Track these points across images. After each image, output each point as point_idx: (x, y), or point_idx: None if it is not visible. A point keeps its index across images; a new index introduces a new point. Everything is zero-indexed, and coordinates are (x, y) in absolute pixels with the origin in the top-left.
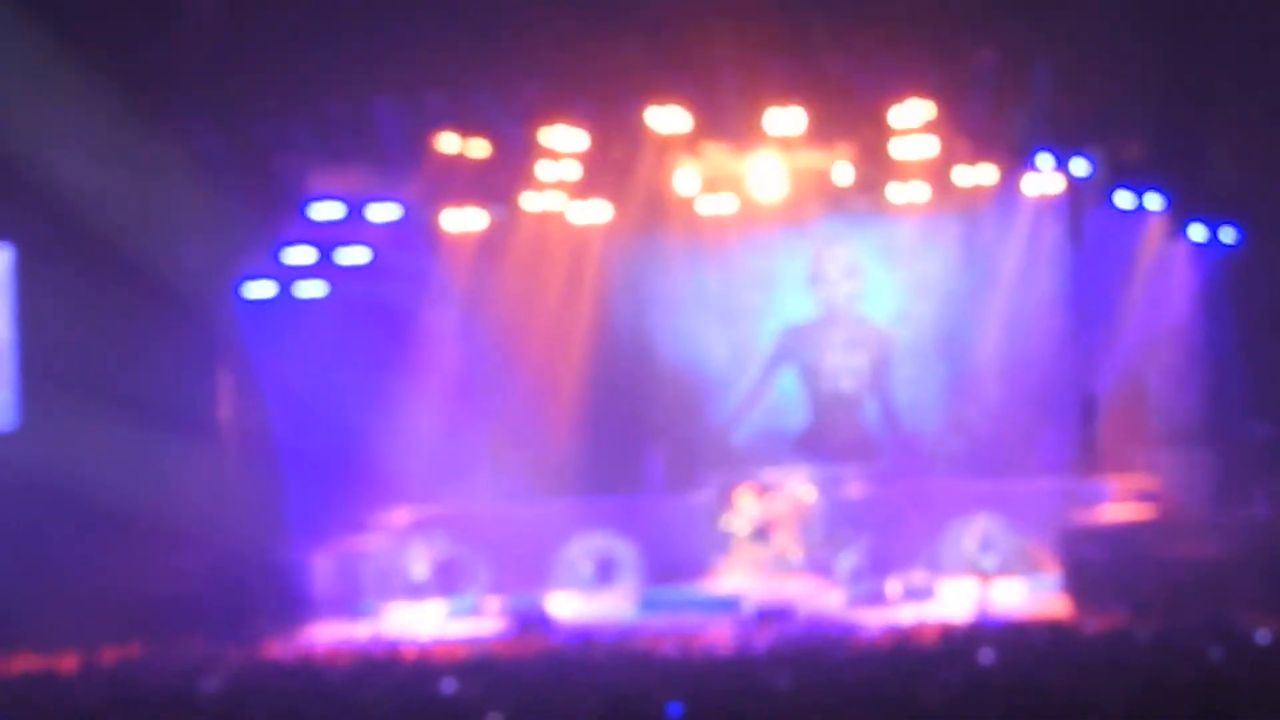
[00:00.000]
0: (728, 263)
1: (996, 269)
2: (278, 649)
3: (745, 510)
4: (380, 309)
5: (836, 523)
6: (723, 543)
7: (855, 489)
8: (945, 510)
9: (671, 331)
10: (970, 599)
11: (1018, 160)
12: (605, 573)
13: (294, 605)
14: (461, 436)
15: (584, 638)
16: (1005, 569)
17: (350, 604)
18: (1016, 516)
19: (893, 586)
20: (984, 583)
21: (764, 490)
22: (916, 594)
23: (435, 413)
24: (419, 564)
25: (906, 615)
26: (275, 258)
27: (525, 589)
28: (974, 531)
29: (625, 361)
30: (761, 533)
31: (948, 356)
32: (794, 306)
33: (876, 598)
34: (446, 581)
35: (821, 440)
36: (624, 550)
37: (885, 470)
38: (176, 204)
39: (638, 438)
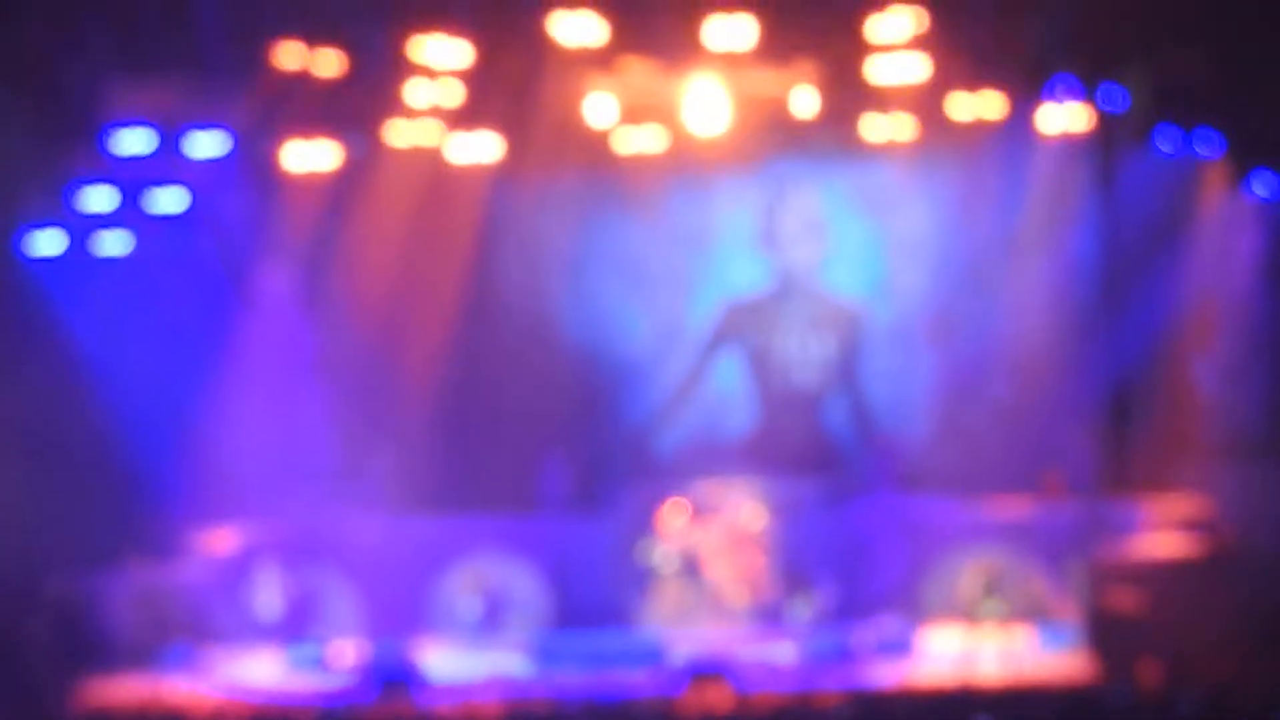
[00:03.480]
0: (653, 216)
1: (1004, 228)
2: (61, 711)
3: (672, 537)
4: (201, 270)
5: (791, 555)
6: (642, 579)
7: (815, 512)
8: (933, 540)
9: (578, 304)
10: (962, 655)
11: (1031, 87)
12: (492, 614)
13: (82, 651)
14: (307, 435)
15: (462, 700)
16: (1009, 616)
17: (159, 651)
18: (1025, 548)
19: (862, 638)
20: (981, 634)
21: (696, 512)
22: (893, 647)
23: (274, 403)
24: (252, 598)
25: (879, 675)
26: (66, 202)
27: (389, 634)
28: (970, 567)
29: (518, 341)
30: (693, 567)
31: (940, 341)
32: (738, 274)
33: (841, 653)
34: (287, 623)
35: (772, 448)
36: (516, 585)
37: (855, 488)
38: None
39: (533, 439)
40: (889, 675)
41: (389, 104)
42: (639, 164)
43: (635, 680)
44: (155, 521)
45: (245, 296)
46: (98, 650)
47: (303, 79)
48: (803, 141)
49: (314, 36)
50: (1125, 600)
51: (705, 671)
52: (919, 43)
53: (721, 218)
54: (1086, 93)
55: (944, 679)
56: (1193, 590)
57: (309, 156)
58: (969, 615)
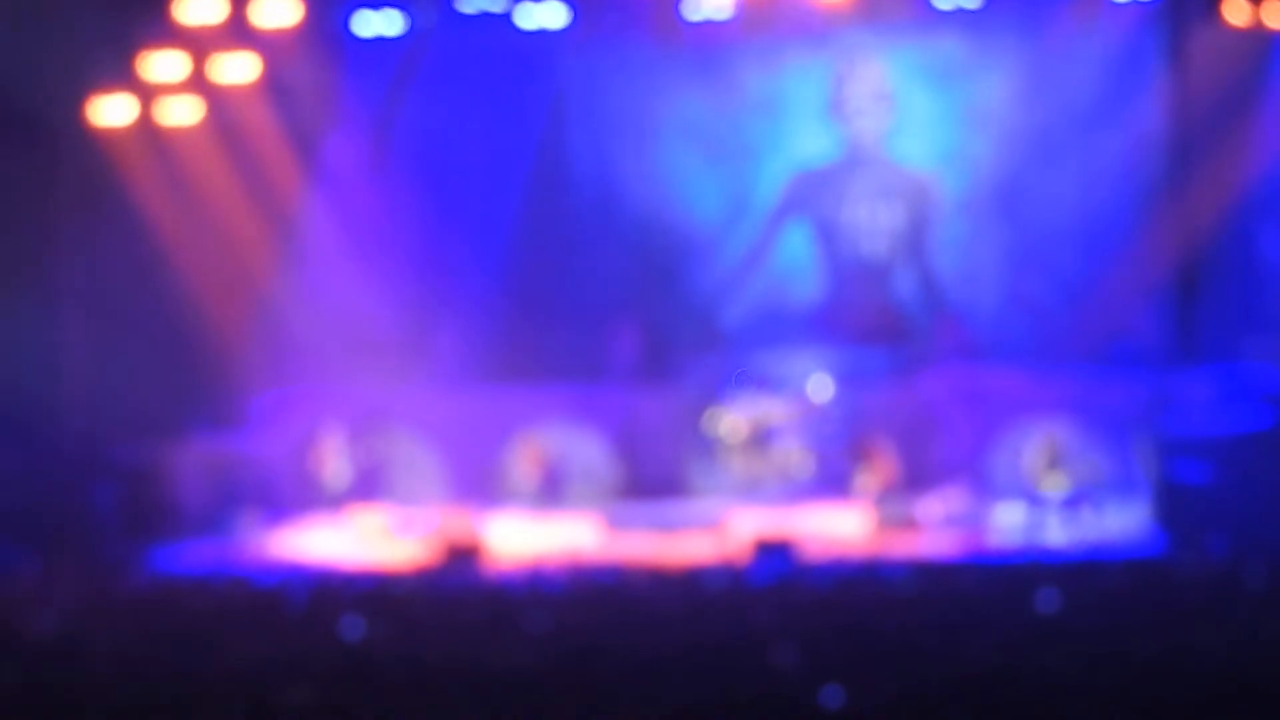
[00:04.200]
0: (722, 84)
1: (1073, 99)
2: (129, 578)
3: (738, 408)
4: (270, 138)
5: (857, 427)
6: (709, 450)
7: (883, 383)
8: (1000, 412)
9: (645, 174)
10: (1028, 527)
11: None
12: (556, 483)
13: (150, 520)
14: (374, 305)
15: (529, 569)
16: (1076, 490)
17: (227, 520)
18: (1093, 421)
19: (929, 510)
20: (1048, 507)
21: (763, 383)
22: (960, 520)
23: (341, 274)
24: (319, 468)
25: (945, 547)
26: (133, 69)
27: (456, 503)
28: (1037, 439)
29: (586, 210)
30: (760, 439)
31: (1008, 212)
32: (807, 143)
33: (907, 524)
34: (354, 493)
35: (840, 319)
36: (582, 454)
37: (922, 359)
38: None
39: (600, 309)
40: (954, 547)
41: None
42: (708, 31)
43: (701, 551)
44: (223, 390)
45: (313, 167)
46: (166, 518)
47: None
48: (871, 10)
49: None
50: (1194, 474)
51: (771, 541)
52: None
53: (790, 87)
54: None
55: (1010, 551)
56: (1260, 462)
57: (378, 24)
58: (1035, 487)
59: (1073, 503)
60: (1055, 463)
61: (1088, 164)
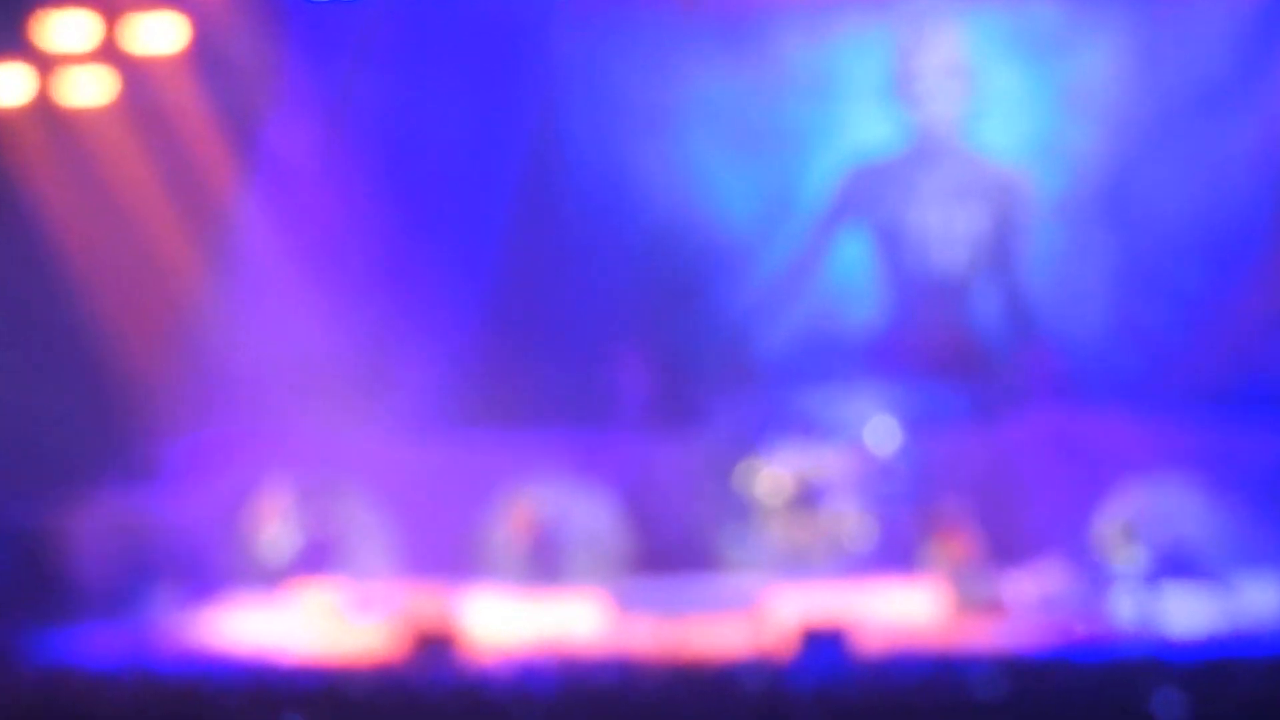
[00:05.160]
0: (755, 59)
1: (1197, 78)
2: (14, 668)
3: (779, 461)
4: (199, 123)
5: (928, 484)
6: (742, 513)
7: (960, 429)
8: (1109, 467)
9: (661, 170)
10: (1145, 613)
11: None
12: (552, 555)
13: (43, 596)
14: (321, 327)
15: (516, 664)
16: (1204, 566)
17: (139, 597)
18: (1228, 480)
19: (1017, 590)
20: (1167, 587)
21: (810, 428)
22: (1056, 603)
23: (287, 291)
24: (257, 534)
25: (1039, 639)
26: (26, 35)
27: (426, 579)
28: (1156, 501)
29: (586, 217)
30: (806, 499)
31: (1116, 217)
32: (865, 132)
33: (991, 607)
34: (300, 565)
35: (906, 349)
36: (583, 518)
37: (1008, 399)
38: None
39: (605, 337)
40: (1049, 637)
41: None
42: None
43: (733, 641)
44: (136, 434)
45: (252, 158)
46: (62, 594)
47: None
48: None
49: None
50: None
51: (820, 629)
52: None
53: (843, 62)
54: None
55: (1120, 643)
56: None
57: None
58: (1153, 563)
59: (1158, 577)
60: (1177, 526)
61: (1214, 158)
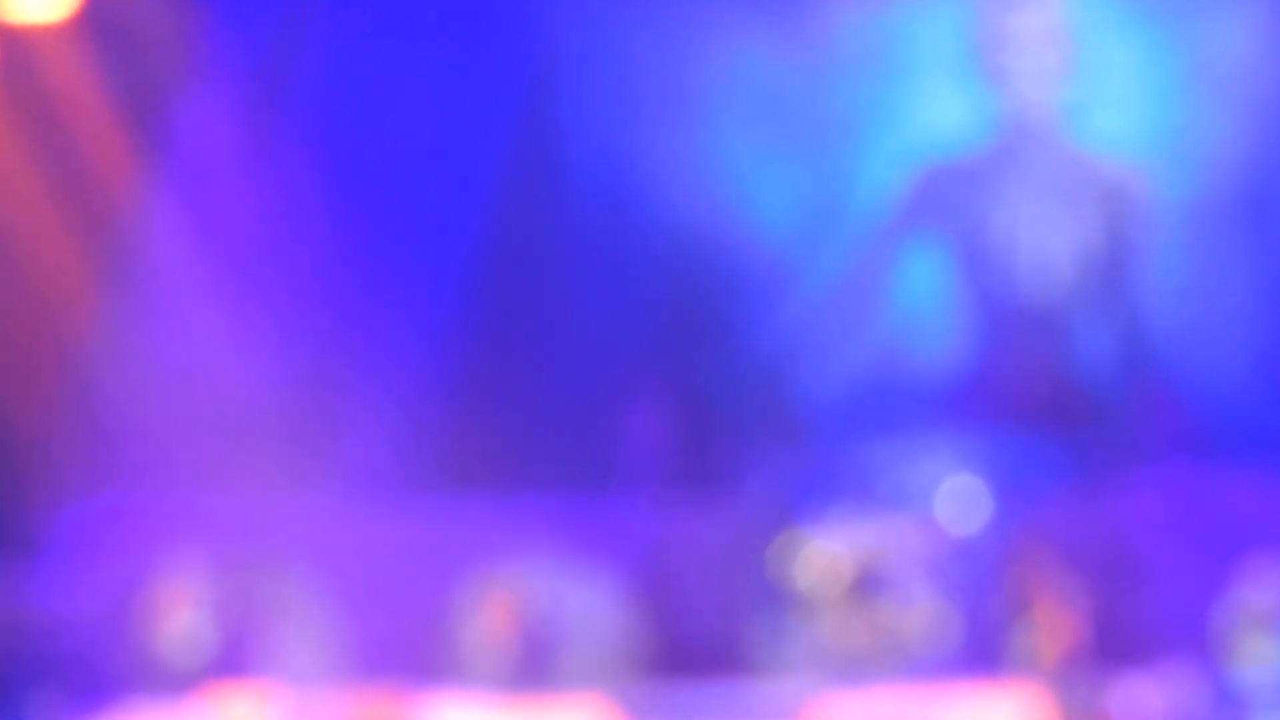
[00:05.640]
0: (799, 29)
1: None
2: None
3: (832, 536)
4: (92, 106)
5: (1020, 564)
6: (783, 602)
7: (1060, 495)
8: (1247, 543)
9: (679, 169)
10: None
11: None
12: (539, 655)
13: None
14: (245, 366)
15: None
16: None
17: (14, 703)
18: None
19: (1134, 696)
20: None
21: (871, 495)
22: (1180, 713)
23: (192, 317)
24: (163, 626)
25: None
26: None
27: (378, 682)
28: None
29: (585, 227)
30: (866, 585)
31: (1265, 230)
32: (939, 119)
33: (1100, 716)
34: (218, 664)
35: (993, 394)
36: (580, 606)
37: (1123, 457)
38: None
39: (607, 380)
40: None
41: None
42: None
43: None
44: (17, 505)
45: (159, 152)
46: None
47: None
48: None
49: None
50: None
51: None
52: None
53: (910, 32)
54: None
55: None
56: None
57: None
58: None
59: None
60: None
61: None
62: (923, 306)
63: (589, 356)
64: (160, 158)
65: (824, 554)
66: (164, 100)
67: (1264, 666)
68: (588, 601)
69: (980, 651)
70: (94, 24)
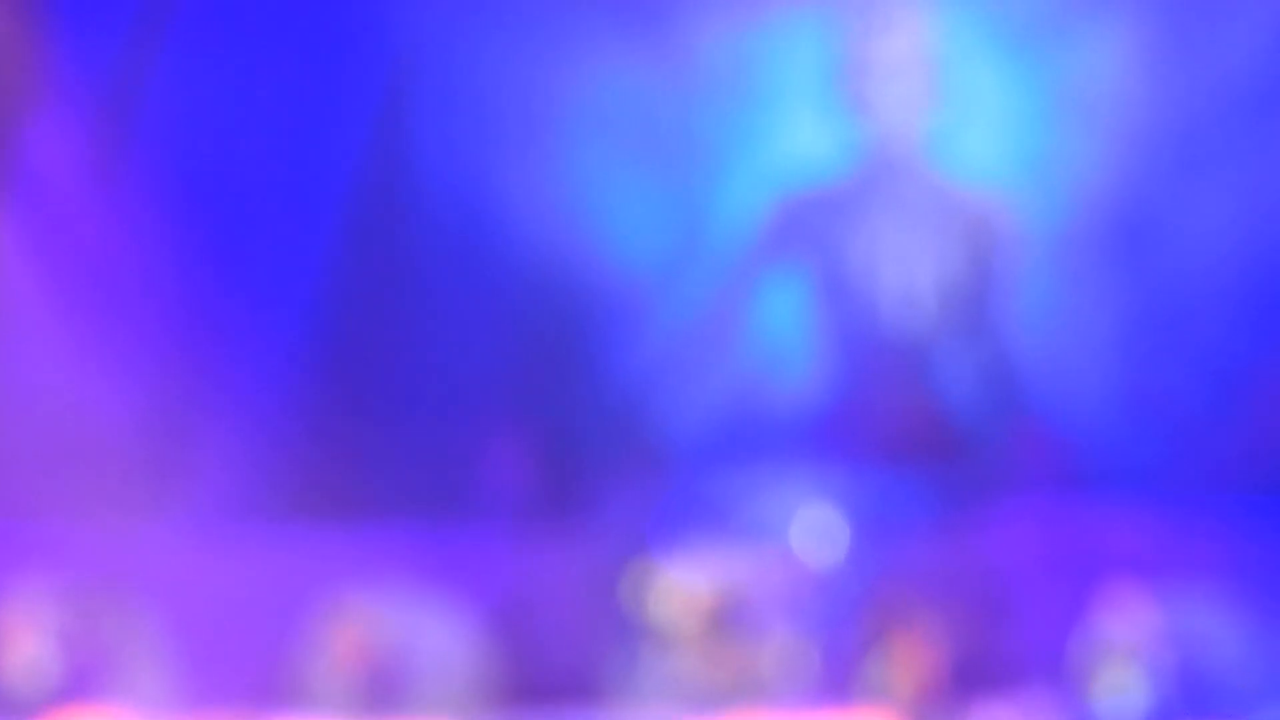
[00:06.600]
0: (659, 46)
1: (1234, 70)
2: None
3: (689, 569)
4: None
5: (881, 598)
6: (641, 634)
7: (922, 529)
8: (1109, 574)
9: (537, 190)
10: None
11: None
12: (389, 687)
13: None
14: (88, 390)
15: None
16: (1224, 701)
17: None
18: (1261, 592)
19: None
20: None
21: (729, 528)
22: None
23: (30, 338)
24: (7, 648)
25: None
26: None
27: (225, 714)
28: (1167, 618)
29: (438, 250)
30: (725, 618)
31: (1130, 257)
32: (800, 145)
33: None
34: (60, 696)
35: (855, 427)
36: (431, 640)
37: (986, 488)
38: None
39: (461, 407)
40: None
41: None
42: None
43: None
44: None
45: (1, 165)
46: None
47: None
48: None
49: None
50: None
51: None
52: None
53: (773, 52)
54: None
55: None
56: None
57: None
58: (1162, 692)
59: (1165, 714)
60: (1193, 652)
61: (1255, 178)
62: (784, 337)
63: (444, 383)
64: (2, 177)
65: (681, 586)
66: (5, 117)
67: (1122, 697)
68: (440, 631)
69: (837, 684)
70: None
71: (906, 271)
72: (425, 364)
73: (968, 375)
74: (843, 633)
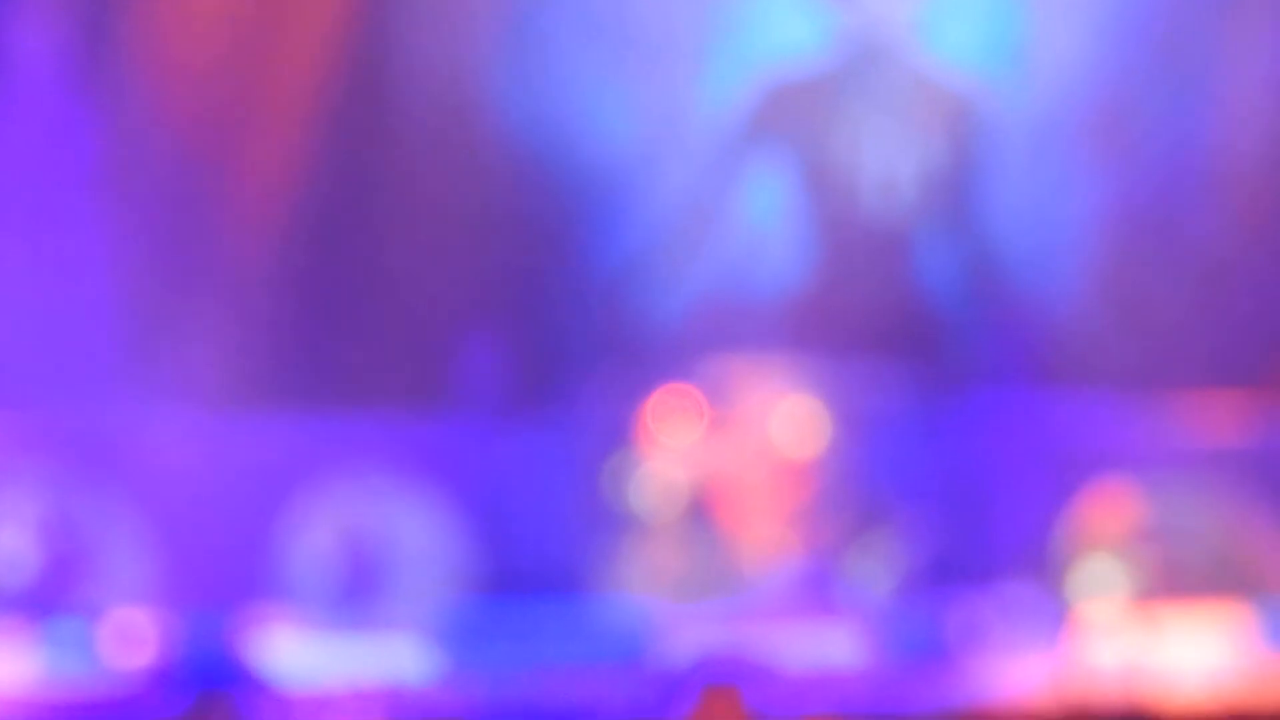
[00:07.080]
0: None
1: None
2: None
3: (669, 458)
4: None
5: (860, 490)
6: (619, 523)
7: (901, 420)
8: (1087, 466)
9: (522, 84)
10: (1133, 648)
11: None
12: (367, 577)
13: None
14: (67, 277)
15: (323, 715)
16: (1206, 591)
17: None
18: (1236, 483)
19: (971, 619)
20: (1164, 613)
21: (710, 416)
22: (1020, 636)
23: (29, 241)
24: None
25: (996, 682)
26: None
27: (206, 605)
28: (1146, 510)
29: (416, 143)
30: (703, 509)
31: (1112, 151)
32: (780, 34)
33: (930, 645)
34: (42, 587)
35: (834, 317)
36: (413, 528)
37: (964, 380)
38: None
39: (440, 298)
40: (1012, 681)
41: None
42: None
43: (604, 686)
44: None
45: None
46: None
47: None
48: None
49: None
50: None
51: (720, 676)
52: None
53: None
54: None
55: (1103, 689)
56: None
57: None
58: (1133, 585)
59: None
60: (1165, 538)
61: (1236, 76)
62: (763, 227)
63: (425, 275)
64: None
65: (659, 477)
66: None
67: (1101, 590)
68: (419, 521)
69: (819, 579)
70: None
71: (888, 160)
72: (407, 256)
73: (948, 267)
74: (821, 524)
